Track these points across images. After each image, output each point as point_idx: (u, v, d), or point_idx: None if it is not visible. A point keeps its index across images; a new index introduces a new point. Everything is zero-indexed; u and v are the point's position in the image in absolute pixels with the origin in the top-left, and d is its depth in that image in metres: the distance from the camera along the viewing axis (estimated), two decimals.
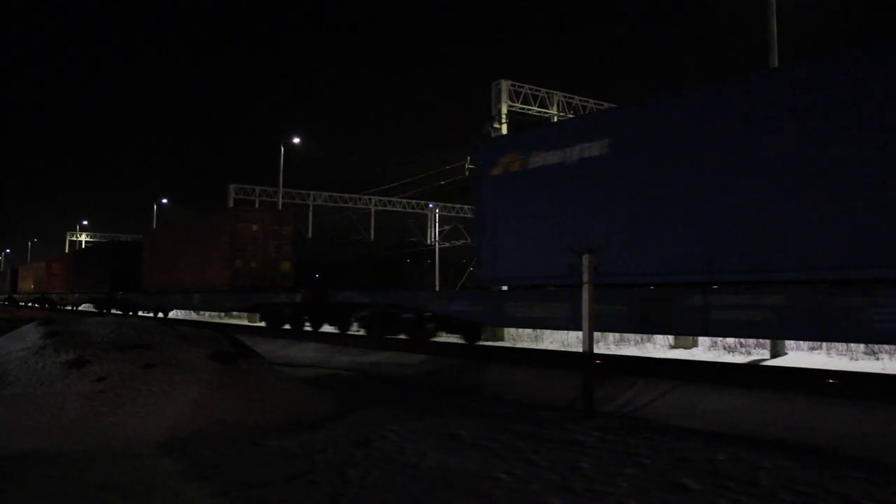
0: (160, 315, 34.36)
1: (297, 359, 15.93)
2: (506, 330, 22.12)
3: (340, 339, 18.69)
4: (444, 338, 17.31)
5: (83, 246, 73.14)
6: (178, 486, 5.70)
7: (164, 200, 65.36)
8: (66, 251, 71.42)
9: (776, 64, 17.12)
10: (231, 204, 42.44)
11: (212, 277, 25.34)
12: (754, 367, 14.26)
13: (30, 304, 63.63)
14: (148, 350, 8.59)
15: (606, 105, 26.67)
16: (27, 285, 61.67)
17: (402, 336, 16.96)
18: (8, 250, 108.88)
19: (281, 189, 40.25)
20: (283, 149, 39.25)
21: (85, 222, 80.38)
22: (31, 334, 9.33)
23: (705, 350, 18.11)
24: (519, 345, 20.91)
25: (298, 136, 39.86)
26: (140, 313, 34.95)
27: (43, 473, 5.99)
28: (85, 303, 45.86)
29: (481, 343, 17.70)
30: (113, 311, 38.21)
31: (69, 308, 50.38)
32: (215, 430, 7.45)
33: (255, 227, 24.32)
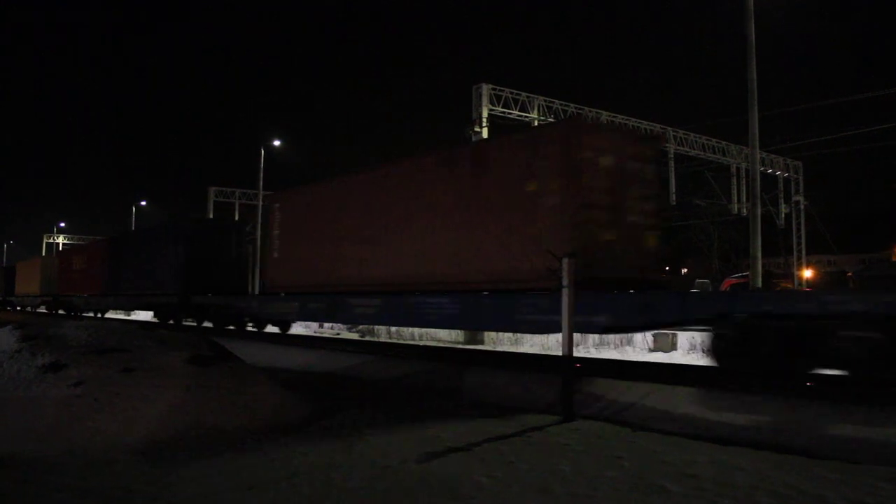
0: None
1: (279, 363, 15.86)
2: (485, 333, 22.15)
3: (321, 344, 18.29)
4: None
5: (56, 247, 72.02)
6: (156, 491, 5.66)
7: (143, 203, 64.94)
8: (80, 243, 58.05)
9: (753, 67, 17.28)
10: (211, 208, 42.06)
11: (503, 262, 12.74)
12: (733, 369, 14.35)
13: (29, 310, 50.70)
14: (126, 354, 8.53)
15: (587, 109, 26.79)
16: (30, 286, 48.44)
17: None
18: None
19: (261, 192, 40.04)
20: (262, 151, 39.11)
21: (63, 224, 79.61)
22: (6, 338, 9.23)
23: (684, 353, 18.24)
24: (499, 348, 20.96)
25: (278, 137, 39.78)
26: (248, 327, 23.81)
27: (18, 479, 5.92)
28: (134, 309, 33.45)
29: (461, 346, 17.67)
30: (187, 321, 26.49)
31: (95, 315, 36.69)
32: (194, 433, 7.40)
33: (606, 160, 12.36)
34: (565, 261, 8.90)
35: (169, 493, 5.59)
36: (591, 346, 20.06)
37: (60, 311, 41.80)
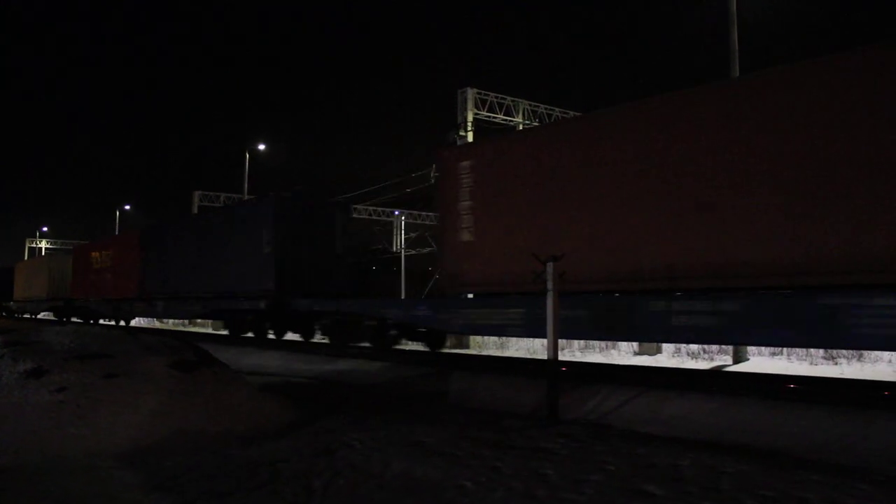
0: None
1: (263, 368, 15.80)
2: (471, 337, 22.17)
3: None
4: None
5: (39, 251, 71.15)
6: (139, 497, 5.63)
7: (127, 207, 64.51)
8: (127, 231, 40.92)
9: (737, 73, 17.39)
10: (195, 210, 41.79)
11: None
12: (717, 372, 14.45)
13: (29, 317, 44.72)
14: (109, 359, 8.47)
15: (572, 114, 26.90)
16: (33, 289, 40.85)
17: None
18: None
19: (246, 196, 39.92)
20: (247, 155, 39.04)
21: (45, 229, 78.96)
22: None
23: (669, 356, 18.31)
24: (484, 352, 20.97)
25: (263, 141, 39.73)
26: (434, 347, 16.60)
27: None
28: (192, 318, 27.02)
29: (447, 350, 17.59)
30: (289, 335, 20.16)
31: (117, 323, 31.50)
32: (177, 439, 7.36)
33: None
34: (550, 264, 8.93)
35: (152, 500, 5.55)
36: (576, 350, 20.13)
37: (74, 319, 35.33)
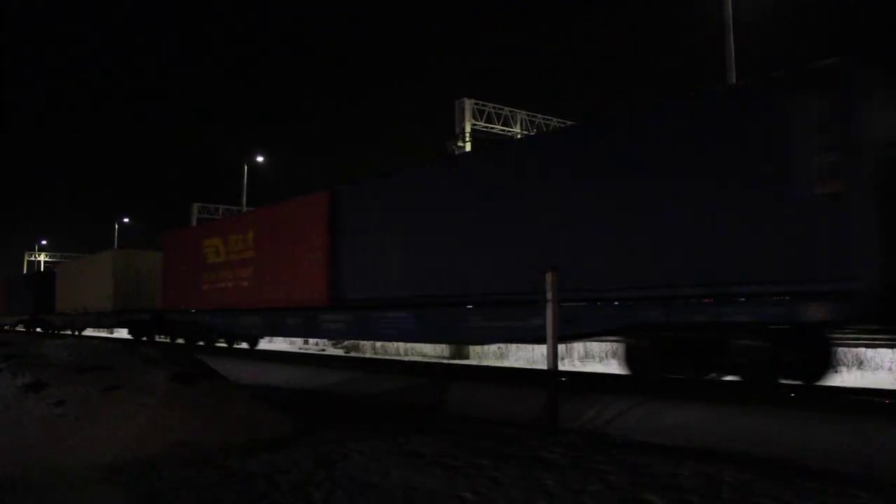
0: None
1: (263, 380, 15.78)
2: (471, 347, 22.17)
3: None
4: None
5: (38, 265, 70.70)
6: None
7: (126, 220, 64.54)
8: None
9: (734, 80, 17.46)
10: (195, 223, 41.83)
11: None
12: (716, 381, 14.42)
13: (72, 333, 31.41)
14: (109, 372, 8.45)
15: (569, 123, 26.98)
16: (88, 298, 28.52)
17: None
18: None
19: (245, 209, 39.98)
20: (246, 167, 39.13)
21: (44, 242, 78.92)
22: None
23: None
24: (484, 362, 20.97)
25: (260, 151, 39.88)
26: None
27: None
28: (517, 340, 16.10)
29: (446, 361, 17.56)
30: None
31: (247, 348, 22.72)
32: (176, 452, 7.35)
33: None
34: (549, 274, 8.96)
35: None
36: (576, 360, 20.12)
37: (168, 338, 23.89)
